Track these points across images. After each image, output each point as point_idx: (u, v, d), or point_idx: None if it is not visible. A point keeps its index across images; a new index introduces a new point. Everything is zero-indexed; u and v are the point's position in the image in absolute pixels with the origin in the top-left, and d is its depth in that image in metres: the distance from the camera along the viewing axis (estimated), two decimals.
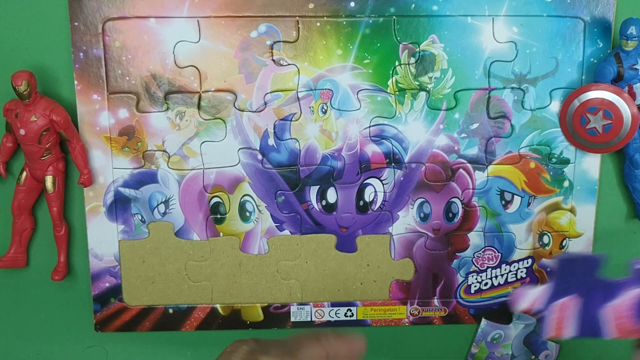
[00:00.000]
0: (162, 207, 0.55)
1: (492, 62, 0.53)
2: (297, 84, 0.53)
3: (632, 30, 0.50)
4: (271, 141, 0.54)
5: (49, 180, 0.53)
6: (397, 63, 0.53)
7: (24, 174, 0.53)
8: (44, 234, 0.56)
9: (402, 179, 0.55)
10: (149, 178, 0.55)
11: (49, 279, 0.56)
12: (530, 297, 0.45)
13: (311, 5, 0.52)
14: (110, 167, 0.54)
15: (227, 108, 0.53)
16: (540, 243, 0.57)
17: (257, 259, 0.57)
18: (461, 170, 0.56)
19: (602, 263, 0.45)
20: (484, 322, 0.59)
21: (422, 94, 0.54)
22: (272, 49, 0.52)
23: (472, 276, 0.58)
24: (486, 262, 0.57)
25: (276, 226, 0.56)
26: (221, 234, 0.56)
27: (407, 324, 0.59)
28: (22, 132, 0.50)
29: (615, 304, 0.44)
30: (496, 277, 0.58)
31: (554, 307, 0.44)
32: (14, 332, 0.59)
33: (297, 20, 0.52)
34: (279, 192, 0.55)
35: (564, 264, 0.46)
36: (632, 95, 0.52)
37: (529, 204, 0.56)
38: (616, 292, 0.44)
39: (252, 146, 0.54)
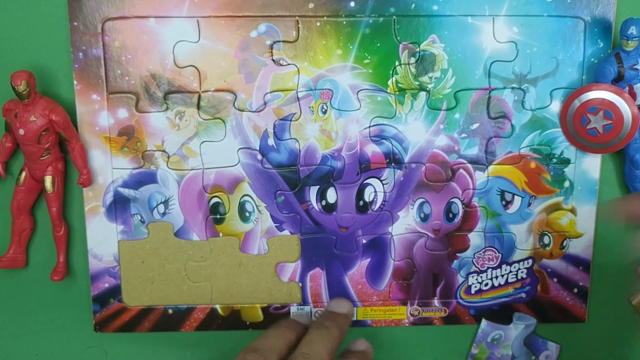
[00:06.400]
0: (161, 208, 0.55)
1: (492, 62, 0.53)
2: (297, 83, 0.53)
3: (633, 30, 0.50)
4: (271, 141, 0.54)
5: (48, 181, 0.53)
6: (397, 63, 0.53)
7: (23, 174, 0.53)
8: (43, 234, 0.56)
9: (402, 179, 0.55)
10: (149, 178, 0.55)
11: (48, 279, 0.56)
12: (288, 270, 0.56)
13: (311, 5, 0.52)
14: (109, 167, 0.54)
15: (227, 108, 0.53)
16: (541, 243, 0.57)
17: (257, 259, 0.57)
18: (461, 170, 0.55)
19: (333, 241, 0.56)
20: (484, 322, 0.59)
21: (422, 94, 0.54)
22: (271, 48, 0.52)
23: (473, 277, 0.58)
24: (486, 262, 0.57)
25: (276, 226, 0.56)
26: (221, 234, 0.56)
27: (407, 325, 0.59)
28: (21, 132, 0.50)
29: (351, 274, 0.55)
30: (496, 277, 0.58)
31: (307, 278, 0.56)
32: (13, 332, 0.59)
33: (297, 20, 0.52)
34: (278, 192, 0.55)
35: (305, 243, 0.56)
36: (633, 95, 0.52)
37: (529, 204, 0.56)
38: (350, 264, 0.55)
39: (252, 146, 0.54)
